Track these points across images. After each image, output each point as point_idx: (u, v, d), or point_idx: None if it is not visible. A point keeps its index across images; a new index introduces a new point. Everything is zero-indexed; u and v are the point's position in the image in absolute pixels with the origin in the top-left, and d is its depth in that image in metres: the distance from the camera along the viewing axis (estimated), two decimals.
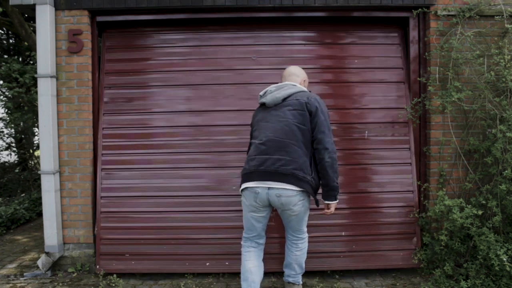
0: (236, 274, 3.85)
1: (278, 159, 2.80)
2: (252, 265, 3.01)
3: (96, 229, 3.93)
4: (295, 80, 3.12)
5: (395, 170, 3.94)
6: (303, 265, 3.31)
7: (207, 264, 3.83)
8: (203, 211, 3.90)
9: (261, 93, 3.12)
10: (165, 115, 4.05)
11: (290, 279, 3.35)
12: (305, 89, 3.07)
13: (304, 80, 3.17)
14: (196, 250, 3.85)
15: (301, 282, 3.39)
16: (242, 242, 3.14)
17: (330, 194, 2.90)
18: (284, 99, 2.94)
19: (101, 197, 3.94)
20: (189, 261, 3.84)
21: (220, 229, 3.86)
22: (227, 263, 3.82)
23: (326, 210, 2.99)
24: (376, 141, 3.99)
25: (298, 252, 3.19)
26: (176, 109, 4.05)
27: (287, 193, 2.80)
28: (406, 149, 3.98)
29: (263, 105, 3.08)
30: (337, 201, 2.95)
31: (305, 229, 3.17)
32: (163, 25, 4.19)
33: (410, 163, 3.95)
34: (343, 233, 3.84)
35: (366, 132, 3.99)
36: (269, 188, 2.81)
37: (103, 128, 4.04)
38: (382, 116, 4.03)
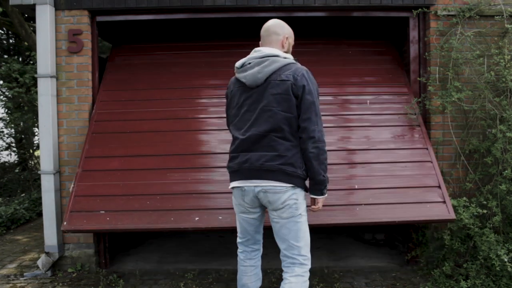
0: (232, 232, 3.75)
1: (262, 155, 2.42)
2: (248, 281, 2.68)
3: (72, 186, 3.58)
4: (276, 40, 2.52)
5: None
6: None
7: (196, 219, 3.32)
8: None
9: (237, 65, 2.54)
10: None
11: None
12: (290, 58, 2.50)
13: (287, 37, 2.55)
14: (183, 205, 3.40)
15: None
16: (238, 245, 2.75)
17: (316, 188, 2.47)
18: (267, 78, 2.42)
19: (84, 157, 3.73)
20: (175, 216, 3.33)
21: (210, 182, 3.54)
22: (220, 218, 3.32)
23: (313, 206, 2.55)
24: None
25: (293, 279, 2.46)
26: None
27: (275, 189, 2.40)
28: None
29: (240, 83, 2.53)
30: (325, 195, 2.51)
31: (307, 252, 2.51)
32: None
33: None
34: (356, 186, 3.51)
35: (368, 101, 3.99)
36: (255, 186, 2.44)
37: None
38: None
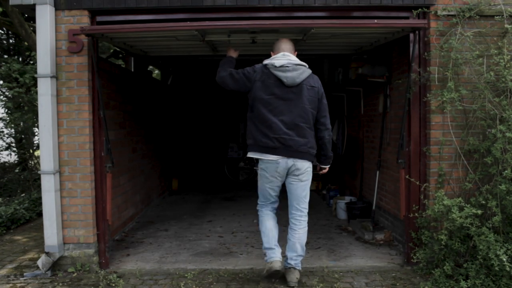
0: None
1: (299, 141, 3.41)
2: (270, 224, 3.63)
3: None
4: (292, 50, 3.58)
5: None
6: (304, 247, 3.60)
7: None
8: None
9: (277, 64, 3.40)
10: None
11: (292, 262, 3.54)
12: (309, 68, 3.52)
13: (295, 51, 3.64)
14: None
15: (301, 268, 3.61)
16: (258, 208, 3.74)
17: (328, 161, 3.76)
18: (300, 82, 3.42)
19: None
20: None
21: None
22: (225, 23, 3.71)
23: (323, 171, 3.83)
24: None
25: (301, 230, 3.56)
26: None
27: (302, 163, 3.47)
28: None
29: (277, 78, 3.40)
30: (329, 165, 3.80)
31: (307, 206, 3.62)
32: None
33: None
34: None
35: None
36: (291, 161, 3.43)
37: None
38: None
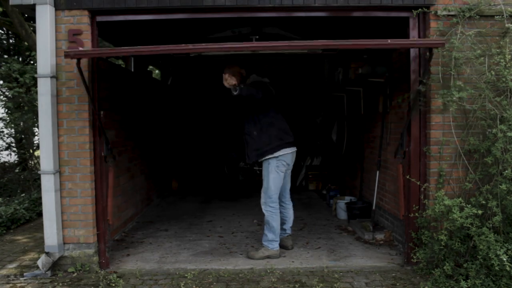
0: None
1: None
2: (280, 220, 4.37)
3: None
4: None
5: None
6: None
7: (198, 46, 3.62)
8: None
9: (272, 90, 4.39)
10: None
11: (290, 231, 4.63)
12: None
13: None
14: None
15: None
16: (270, 205, 4.25)
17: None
18: None
19: None
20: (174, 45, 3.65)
21: None
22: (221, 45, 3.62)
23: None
24: None
25: (292, 208, 4.60)
26: None
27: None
28: None
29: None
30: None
31: None
32: None
33: None
34: None
35: None
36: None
37: None
38: None
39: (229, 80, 3.87)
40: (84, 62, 3.93)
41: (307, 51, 3.99)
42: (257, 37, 4.32)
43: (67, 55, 3.47)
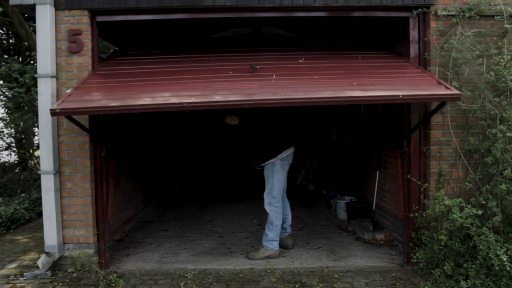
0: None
1: None
2: (282, 218, 4.47)
3: (69, 91, 3.67)
4: None
5: None
6: None
7: (193, 99, 3.33)
8: None
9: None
10: None
11: (290, 231, 4.67)
12: None
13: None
14: (184, 92, 3.51)
15: None
16: (275, 204, 4.32)
17: None
18: None
19: None
20: (177, 97, 3.40)
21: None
22: (217, 97, 3.40)
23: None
24: None
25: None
26: None
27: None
28: None
29: None
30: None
31: None
32: None
33: None
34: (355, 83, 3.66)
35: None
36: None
37: None
38: None
39: (232, 122, 4.44)
40: (84, 60, 3.93)
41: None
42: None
43: (53, 113, 3.30)
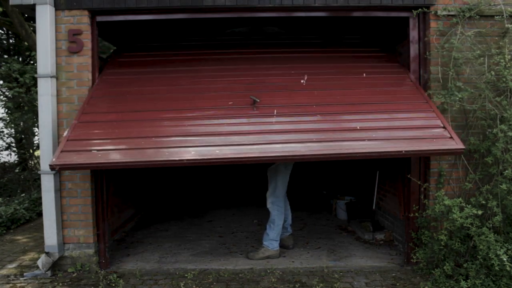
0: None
1: None
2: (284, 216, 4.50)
3: (66, 133, 3.60)
4: None
5: None
6: None
7: (192, 153, 3.33)
8: None
9: None
10: None
11: (291, 230, 4.69)
12: None
13: None
14: (179, 144, 3.45)
15: None
16: (277, 204, 4.35)
17: None
18: None
19: None
20: (170, 152, 3.35)
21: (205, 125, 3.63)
22: (217, 151, 3.37)
23: None
24: None
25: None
26: None
27: None
28: None
29: None
30: None
31: None
32: None
33: None
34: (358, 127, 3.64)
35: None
36: None
37: None
38: None
39: None
40: (84, 60, 3.93)
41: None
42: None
43: (52, 168, 3.24)
